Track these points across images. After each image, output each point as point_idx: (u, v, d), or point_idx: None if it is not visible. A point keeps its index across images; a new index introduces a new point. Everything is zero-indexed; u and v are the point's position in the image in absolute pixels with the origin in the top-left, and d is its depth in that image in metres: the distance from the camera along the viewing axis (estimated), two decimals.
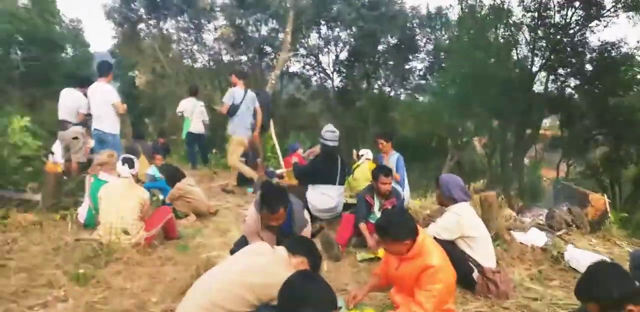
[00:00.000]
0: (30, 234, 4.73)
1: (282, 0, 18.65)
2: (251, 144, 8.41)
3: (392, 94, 22.57)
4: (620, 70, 14.56)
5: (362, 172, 8.06)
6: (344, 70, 21.54)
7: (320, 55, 20.91)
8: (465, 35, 16.42)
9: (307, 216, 3.90)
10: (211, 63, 21.89)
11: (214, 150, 11.82)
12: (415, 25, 19.75)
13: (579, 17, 15.80)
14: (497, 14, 16.48)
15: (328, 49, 20.55)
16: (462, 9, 17.64)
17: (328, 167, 5.33)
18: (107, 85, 6.51)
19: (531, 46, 16.55)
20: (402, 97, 22.86)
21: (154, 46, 19.47)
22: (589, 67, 16.27)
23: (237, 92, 7.20)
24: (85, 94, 6.79)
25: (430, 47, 20.08)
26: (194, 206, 5.67)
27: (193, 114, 9.38)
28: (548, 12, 16.23)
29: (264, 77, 21.64)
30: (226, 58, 21.62)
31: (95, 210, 4.81)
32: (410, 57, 20.22)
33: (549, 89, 17.52)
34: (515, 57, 16.99)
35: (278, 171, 9.12)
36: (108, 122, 6.50)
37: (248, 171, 7.40)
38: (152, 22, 19.70)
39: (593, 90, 16.01)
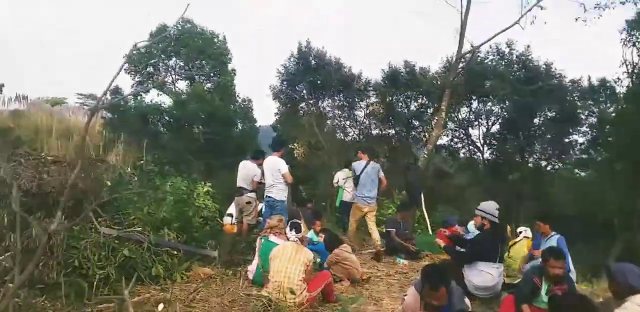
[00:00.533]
0: (209, 287, 5.36)
1: (433, 79, 19.32)
2: (403, 216, 8.67)
3: (548, 168, 21.16)
4: None
5: (519, 251, 7.69)
6: (495, 143, 20.98)
7: (470, 128, 20.81)
8: (637, 108, 15.07)
9: (467, 302, 3.87)
10: (361, 136, 23.02)
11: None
12: (576, 98, 18.76)
13: None
14: None
15: (479, 122, 20.39)
16: (632, 80, 16.41)
17: (493, 244, 5.26)
18: (279, 158, 7.43)
19: None
20: (561, 171, 21.23)
21: (312, 122, 21.29)
22: None
23: (357, 165, 8.31)
24: (259, 165, 7.76)
25: (593, 120, 18.75)
26: (349, 272, 5.92)
27: (345, 184, 10.05)
28: None
29: (411, 150, 22.11)
30: (375, 132, 22.64)
31: (264, 269, 5.30)
32: (571, 130, 19.02)
33: None
34: None
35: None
36: (278, 190, 7.31)
37: (352, 232, 8.37)
38: (311, 101, 21.76)
39: None
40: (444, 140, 21.78)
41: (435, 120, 20.13)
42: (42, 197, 6.00)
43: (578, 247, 14.47)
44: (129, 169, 9.27)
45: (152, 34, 22.90)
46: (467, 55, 14.28)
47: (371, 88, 20.84)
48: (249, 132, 26.87)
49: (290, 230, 5.21)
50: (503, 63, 18.83)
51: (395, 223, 8.48)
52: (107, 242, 5.39)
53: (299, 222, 5.42)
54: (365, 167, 8.21)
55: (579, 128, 19.00)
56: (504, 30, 13.02)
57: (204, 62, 23.86)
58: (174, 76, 24.24)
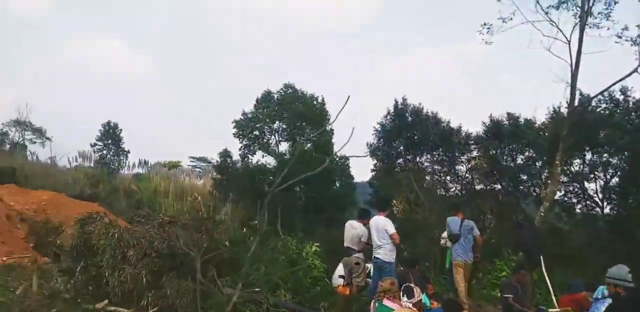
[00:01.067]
0: None
1: (540, 130, 18.55)
2: (520, 280, 8.14)
3: None
4: None
5: None
6: (615, 197, 19.14)
7: (585, 182, 19.26)
8: None
9: None
10: (463, 192, 22.27)
11: (473, 281, 11.57)
12: None
13: None
14: None
15: (594, 175, 18.85)
16: None
17: None
18: (385, 218, 7.48)
19: None
20: None
21: (410, 178, 21.14)
22: None
23: (452, 222, 8.42)
24: (365, 225, 7.86)
25: None
26: None
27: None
28: None
29: (520, 206, 20.86)
30: (479, 187, 21.79)
31: None
32: None
33: None
34: None
35: (551, 310, 8.34)
36: (385, 251, 7.30)
37: (463, 294, 8.05)
38: (409, 157, 21.73)
39: None
40: (556, 195, 20.36)
41: (546, 175, 19.05)
42: (171, 257, 6.55)
43: None
44: (242, 228, 9.78)
45: (258, 100, 24.88)
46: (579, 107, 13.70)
47: (472, 142, 20.42)
48: (346, 189, 27.29)
49: (403, 296, 5.12)
50: (618, 111, 17.58)
51: (512, 287, 7.95)
52: (230, 302, 5.68)
53: (412, 286, 5.33)
54: (461, 224, 8.37)
55: None
56: (621, 80, 12.62)
57: (304, 123, 25.20)
58: (277, 138, 25.76)
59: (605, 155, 18.18)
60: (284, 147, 26.22)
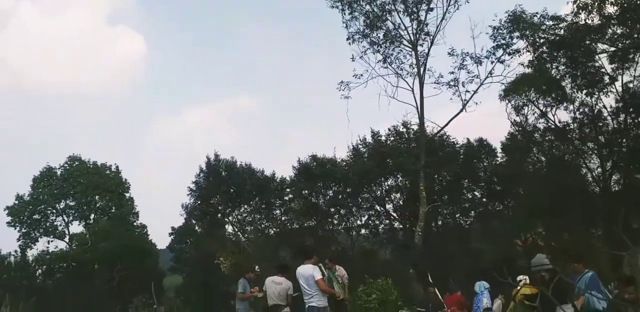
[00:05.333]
0: None
1: (345, 168, 20.44)
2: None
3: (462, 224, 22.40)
4: None
5: None
6: (407, 214, 22.23)
7: (386, 205, 21.80)
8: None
9: None
10: (281, 233, 22.84)
11: None
12: (463, 159, 20.69)
13: None
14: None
15: (389, 197, 21.54)
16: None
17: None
18: (312, 266, 7.33)
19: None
20: (473, 226, 22.51)
21: (232, 232, 20.88)
22: None
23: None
24: (286, 278, 7.61)
25: (483, 175, 20.95)
26: None
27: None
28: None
29: (334, 234, 22.54)
30: (295, 226, 22.70)
31: None
32: (473, 186, 21.07)
33: None
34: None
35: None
36: (320, 298, 7.15)
37: None
38: (228, 210, 21.44)
39: None
40: (362, 220, 22.57)
41: (350, 205, 20.94)
42: None
43: None
44: None
45: (36, 179, 21.10)
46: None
47: (286, 186, 21.40)
48: (152, 258, 25.25)
49: None
50: (402, 141, 20.60)
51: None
52: None
53: None
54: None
55: (480, 184, 21.18)
56: (454, 117, 16.13)
57: (97, 197, 22.38)
58: (66, 219, 22.15)
59: (399, 178, 21.05)
60: (75, 227, 22.79)
